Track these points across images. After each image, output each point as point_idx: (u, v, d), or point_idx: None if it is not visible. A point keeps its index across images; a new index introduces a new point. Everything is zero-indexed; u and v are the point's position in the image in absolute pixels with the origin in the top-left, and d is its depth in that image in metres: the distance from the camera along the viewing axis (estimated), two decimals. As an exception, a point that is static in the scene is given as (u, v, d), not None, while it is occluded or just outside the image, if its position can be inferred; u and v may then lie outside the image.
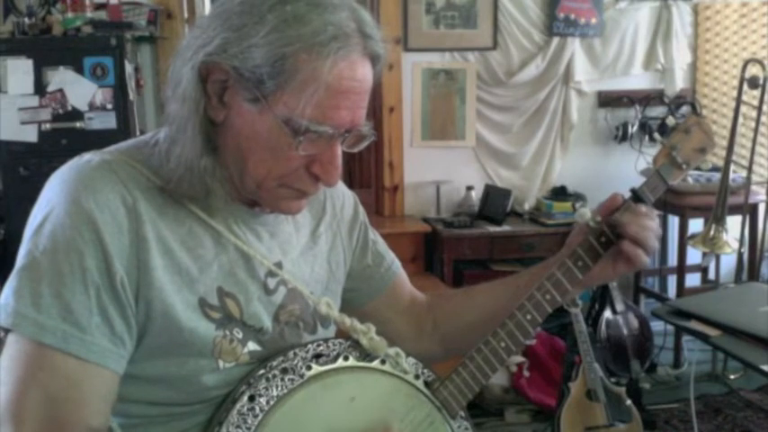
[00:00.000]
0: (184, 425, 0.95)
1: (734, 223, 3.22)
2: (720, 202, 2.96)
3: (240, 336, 0.97)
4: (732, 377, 3.48)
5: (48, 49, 2.87)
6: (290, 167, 0.93)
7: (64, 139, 2.88)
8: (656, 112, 3.96)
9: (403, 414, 1.02)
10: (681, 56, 3.99)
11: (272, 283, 1.02)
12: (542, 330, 3.41)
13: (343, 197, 1.20)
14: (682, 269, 3.59)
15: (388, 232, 2.86)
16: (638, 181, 1.13)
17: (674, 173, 1.13)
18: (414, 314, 1.26)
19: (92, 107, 2.89)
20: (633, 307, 3.35)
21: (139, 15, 3.29)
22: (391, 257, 1.25)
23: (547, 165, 3.95)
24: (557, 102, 3.90)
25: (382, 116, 3.78)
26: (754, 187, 3.44)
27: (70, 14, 2.94)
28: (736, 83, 3.43)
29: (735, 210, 3.25)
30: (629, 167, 3.75)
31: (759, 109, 3.17)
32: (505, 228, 3.65)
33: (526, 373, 3.26)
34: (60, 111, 2.88)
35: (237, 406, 0.91)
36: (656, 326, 3.35)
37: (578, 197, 3.79)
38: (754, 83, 3.10)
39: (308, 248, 1.11)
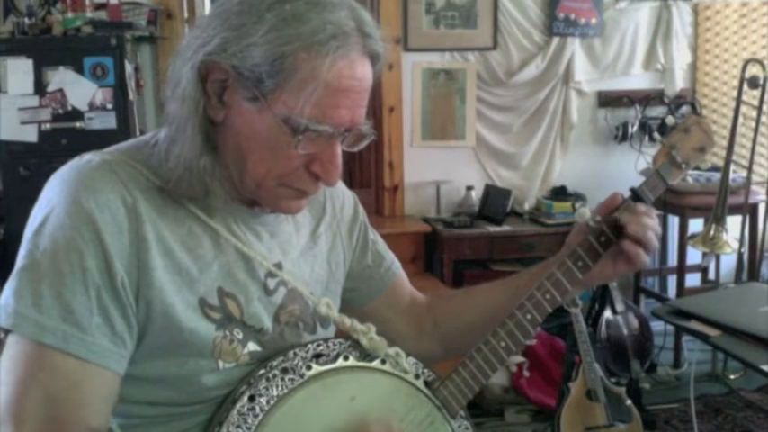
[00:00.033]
0: (184, 425, 0.95)
1: (734, 223, 3.22)
2: (720, 202, 2.96)
3: (240, 336, 0.97)
4: (732, 377, 3.48)
5: (48, 49, 2.88)
6: (290, 167, 0.93)
7: (64, 139, 2.88)
8: (656, 112, 3.97)
9: (403, 413, 1.02)
10: (681, 56, 3.99)
11: (272, 283, 1.02)
12: (542, 330, 3.41)
13: (342, 197, 1.20)
14: (682, 269, 3.59)
15: (388, 232, 2.87)
16: (638, 181, 1.13)
17: (674, 172, 1.13)
18: (414, 314, 1.26)
19: (92, 107, 2.89)
20: (633, 307, 3.35)
21: (139, 15, 3.29)
22: (391, 258, 1.25)
23: (547, 165, 3.95)
24: (557, 102, 3.90)
25: (382, 116, 3.78)
26: (754, 187, 3.44)
27: (70, 14, 2.94)
28: (736, 83, 3.43)
29: (735, 210, 3.25)
30: (629, 167, 3.75)
31: (759, 109, 3.17)
32: (505, 228, 3.65)
33: (526, 373, 3.26)
34: (60, 111, 2.88)
35: (238, 406, 0.91)
36: (656, 326, 3.35)
37: (578, 197, 3.79)
38: (754, 83, 3.10)
39: (308, 249, 1.11)
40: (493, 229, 3.63)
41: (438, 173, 3.88)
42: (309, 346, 0.99)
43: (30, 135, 2.87)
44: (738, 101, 3.10)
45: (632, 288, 3.91)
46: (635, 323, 3.24)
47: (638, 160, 3.76)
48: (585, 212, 1.09)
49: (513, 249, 3.62)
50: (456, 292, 1.34)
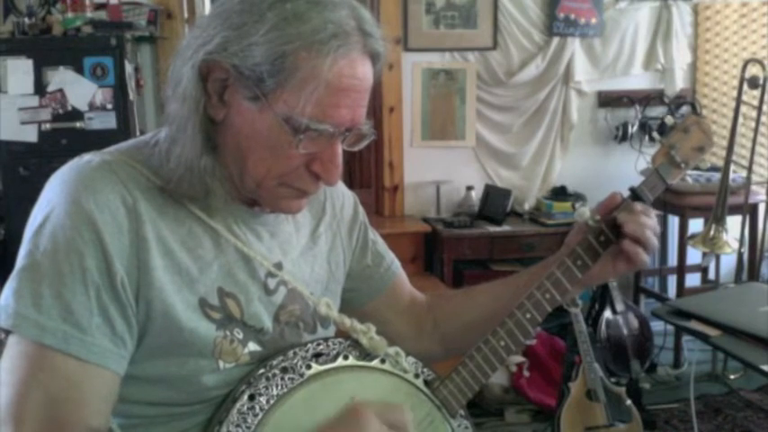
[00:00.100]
0: (184, 425, 0.95)
1: (734, 223, 3.22)
2: (720, 202, 2.96)
3: (241, 336, 0.97)
4: (732, 377, 3.48)
5: (48, 49, 2.88)
6: (291, 166, 0.93)
7: (64, 139, 2.88)
8: (656, 112, 3.97)
9: (403, 413, 1.02)
10: (681, 56, 3.99)
11: (272, 283, 1.02)
12: (542, 330, 3.41)
13: (342, 197, 1.20)
14: (682, 269, 3.59)
15: (388, 232, 2.87)
16: (638, 181, 1.13)
17: (673, 172, 1.13)
18: (413, 314, 1.26)
19: (92, 107, 2.90)
20: (633, 307, 3.35)
21: (139, 15, 3.29)
22: (391, 257, 1.25)
23: (547, 165, 3.95)
24: (557, 102, 3.90)
25: (382, 116, 3.79)
26: (754, 187, 3.45)
27: (70, 14, 2.94)
28: (736, 83, 3.43)
29: (735, 210, 3.25)
30: (629, 167, 3.76)
31: (759, 109, 3.17)
32: (505, 228, 3.65)
33: (526, 373, 3.26)
34: (60, 111, 2.88)
35: (237, 405, 0.91)
36: (656, 326, 3.35)
37: (578, 197, 3.79)
38: (754, 83, 3.10)
39: (308, 249, 1.11)
40: (493, 229, 3.63)
41: (438, 173, 3.88)
42: (309, 345, 0.99)
43: (30, 135, 2.88)
44: (738, 101, 3.10)
45: (632, 288, 3.91)
46: (635, 323, 3.24)
47: (638, 160, 3.76)
48: (585, 212, 1.09)
49: (513, 249, 3.62)
50: (456, 292, 1.34)
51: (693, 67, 4.07)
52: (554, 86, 3.88)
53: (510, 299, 1.11)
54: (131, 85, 2.98)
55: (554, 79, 3.86)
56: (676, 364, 3.67)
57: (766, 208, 3.58)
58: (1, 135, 2.86)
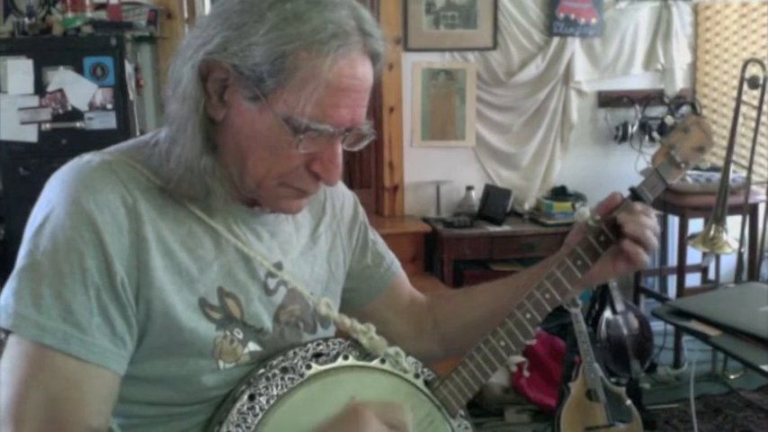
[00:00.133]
0: (184, 425, 0.95)
1: (734, 223, 3.22)
2: (720, 202, 2.96)
3: (241, 336, 0.97)
4: (732, 377, 3.48)
5: (48, 49, 2.88)
6: (291, 166, 0.93)
7: (64, 139, 2.88)
8: (656, 112, 3.97)
9: (403, 413, 1.02)
10: (681, 56, 3.99)
11: (272, 283, 1.02)
12: (542, 330, 3.41)
13: (342, 197, 1.20)
14: (682, 269, 3.59)
15: (388, 232, 2.87)
16: (638, 181, 1.13)
17: (673, 172, 1.13)
18: (413, 314, 1.26)
19: (92, 107, 2.90)
20: (633, 307, 3.35)
21: (139, 15, 3.29)
22: (391, 257, 1.25)
23: (547, 165, 3.95)
24: (557, 102, 3.90)
25: (382, 116, 3.79)
26: (754, 187, 3.44)
27: (70, 14, 2.94)
28: (736, 83, 3.43)
29: (735, 210, 3.25)
30: (629, 167, 3.76)
31: (759, 109, 3.17)
32: (505, 228, 3.65)
33: (526, 373, 3.26)
34: (60, 111, 2.88)
35: (237, 405, 0.91)
36: (656, 326, 3.35)
37: (578, 197, 3.79)
38: (754, 83, 3.10)
39: (308, 249, 1.11)
40: (493, 229, 3.63)
41: (438, 173, 3.88)
42: (309, 345, 0.99)
43: (30, 135, 2.88)
44: (738, 101, 3.10)
45: (632, 288, 3.91)
46: (635, 323, 3.24)
47: (638, 160, 3.76)
48: (585, 212, 1.09)
49: (513, 249, 3.62)
50: (456, 291, 1.34)
51: (693, 67, 4.07)
52: (554, 86, 3.88)
53: (510, 299, 1.11)
54: (131, 85, 2.98)
55: (554, 79, 3.86)
56: (676, 364, 3.67)
57: (766, 208, 3.58)
58: (1, 135, 2.86)
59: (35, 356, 0.84)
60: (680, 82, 4.00)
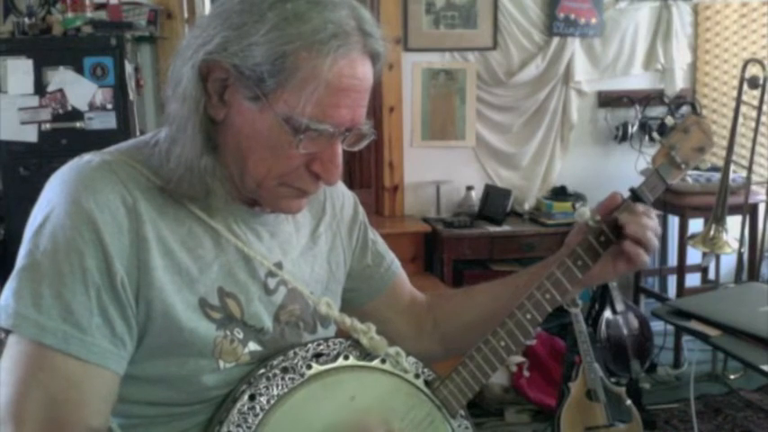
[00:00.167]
0: (185, 425, 0.95)
1: (734, 223, 3.22)
2: (720, 202, 2.96)
3: (241, 336, 0.97)
4: (732, 377, 3.48)
5: (48, 49, 2.88)
6: (291, 166, 0.93)
7: (64, 139, 2.88)
8: (656, 112, 3.97)
9: (403, 413, 1.02)
10: (681, 56, 3.99)
11: (272, 283, 1.02)
12: (542, 330, 3.41)
13: (342, 197, 1.20)
14: (682, 269, 3.59)
15: (388, 232, 2.87)
16: (639, 181, 1.13)
17: (673, 172, 1.13)
18: (414, 314, 1.26)
19: (92, 107, 2.90)
20: (633, 307, 3.35)
21: (139, 15, 3.29)
22: (391, 257, 1.25)
23: (547, 165, 3.95)
24: (557, 102, 3.90)
25: (382, 116, 3.79)
26: (754, 187, 3.44)
27: (70, 14, 2.94)
28: (736, 83, 3.43)
29: (735, 210, 3.25)
30: (629, 167, 3.76)
31: (759, 109, 3.17)
32: (505, 228, 3.65)
33: (526, 373, 3.26)
34: (60, 111, 2.88)
35: (238, 405, 0.92)
36: (656, 326, 3.35)
37: (578, 197, 3.79)
38: (754, 83, 3.10)
39: (308, 248, 1.11)
40: (493, 229, 3.63)
41: (438, 173, 3.88)
42: (310, 345, 0.99)
43: (30, 135, 2.88)
44: (738, 101, 3.10)
45: (632, 288, 3.91)
46: (635, 323, 3.24)
47: (638, 160, 3.76)
48: (585, 212, 1.09)
49: (513, 249, 3.62)
50: (456, 291, 1.34)
51: (693, 67, 4.07)
52: (554, 86, 3.88)
53: (510, 299, 1.11)
54: (131, 85, 2.98)
55: (554, 79, 3.86)
56: (676, 364, 3.67)
57: (766, 208, 3.58)
58: (1, 135, 2.86)
59: (35, 356, 0.85)
60: (680, 82, 4.00)
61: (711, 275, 4.05)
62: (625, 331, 3.20)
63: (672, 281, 4.00)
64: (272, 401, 0.93)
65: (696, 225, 3.59)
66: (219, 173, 0.94)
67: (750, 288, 2.35)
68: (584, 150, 4.02)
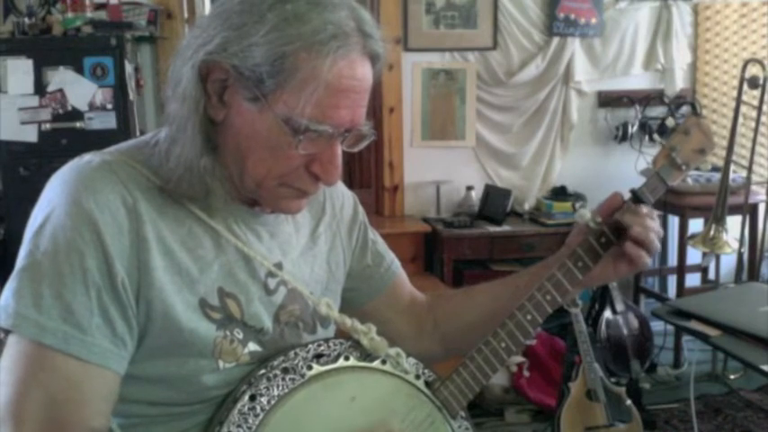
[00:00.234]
0: (185, 425, 0.95)
1: (734, 223, 3.22)
2: (720, 202, 2.96)
3: (241, 336, 0.97)
4: (732, 377, 3.48)
5: (48, 49, 2.88)
6: (290, 166, 0.93)
7: (64, 139, 2.88)
8: (656, 112, 3.96)
9: (404, 414, 1.02)
10: (681, 56, 3.99)
11: (272, 283, 1.02)
12: (542, 330, 3.41)
13: (342, 197, 1.20)
14: (682, 269, 3.59)
15: (388, 232, 2.87)
16: (638, 181, 1.13)
17: (674, 174, 1.13)
18: (414, 314, 1.26)
19: (92, 107, 2.89)
20: (633, 307, 3.35)
21: (139, 15, 3.29)
22: (391, 257, 1.25)
23: (547, 165, 3.95)
24: (557, 102, 3.90)
25: (382, 116, 3.79)
26: (754, 187, 3.44)
27: (70, 14, 2.94)
28: (736, 83, 3.43)
29: (735, 210, 3.25)
30: (629, 167, 3.75)
31: (759, 109, 3.17)
32: (505, 228, 3.65)
33: (526, 373, 3.26)
34: (60, 111, 2.88)
35: (238, 405, 0.92)
36: (656, 326, 3.35)
37: (578, 197, 3.79)
38: (754, 83, 3.10)
39: (308, 249, 1.11)
40: (493, 229, 3.63)
41: (438, 173, 3.88)
42: (310, 346, 0.99)
43: (30, 135, 2.88)
44: (738, 101, 3.10)
45: (632, 288, 3.91)
46: (635, 323, 3.24)
47: (638, 160, 3.76)
48: (586, 213, 1.09)
49: (513, 249, 3.62)
50: (456, 291, 1.34)
51: (693, 67, 4.07)
52: (554, 86, 3.88)
53: (510, 299, 1.11)
54: (131, 85, 2.98)
55: (554, 79, 3.86)
56: (676, 364, 3.67)
57: (766, 208, 3.58)
58: (1, 135, 2.86)
59: (35, 356, 0.85)
60: (680, 82, 4.00)
61: (711, 275, 4.05)
62: (625, 331, 3.20)
63: (672, 281, 4.00)
64: (273, 402, 0.93)
65: (696, 225, 3.59)
66: (219, 173, 0.94)
67: (750, 288, 2.35)
68: (584, 150, 4.02)
